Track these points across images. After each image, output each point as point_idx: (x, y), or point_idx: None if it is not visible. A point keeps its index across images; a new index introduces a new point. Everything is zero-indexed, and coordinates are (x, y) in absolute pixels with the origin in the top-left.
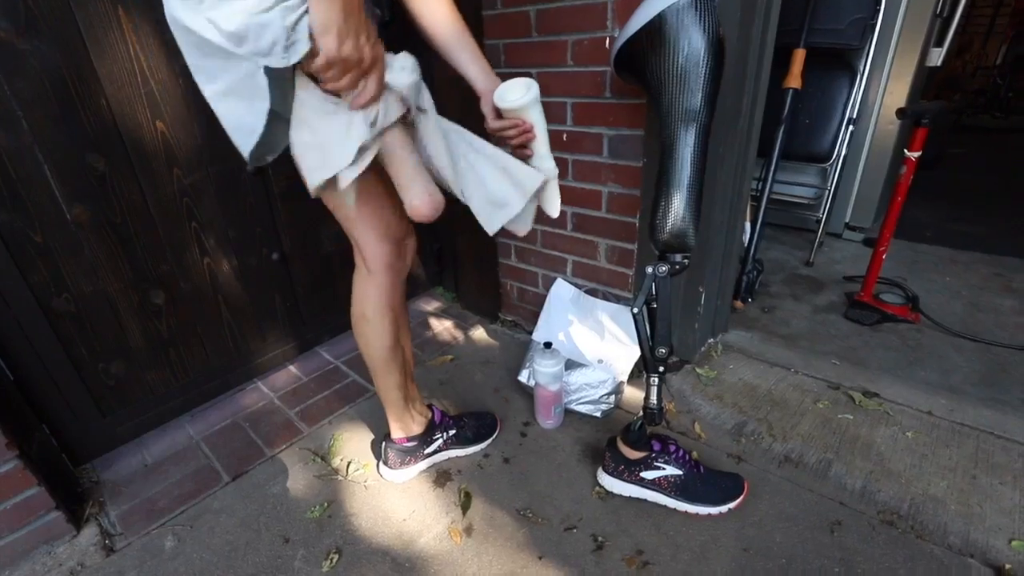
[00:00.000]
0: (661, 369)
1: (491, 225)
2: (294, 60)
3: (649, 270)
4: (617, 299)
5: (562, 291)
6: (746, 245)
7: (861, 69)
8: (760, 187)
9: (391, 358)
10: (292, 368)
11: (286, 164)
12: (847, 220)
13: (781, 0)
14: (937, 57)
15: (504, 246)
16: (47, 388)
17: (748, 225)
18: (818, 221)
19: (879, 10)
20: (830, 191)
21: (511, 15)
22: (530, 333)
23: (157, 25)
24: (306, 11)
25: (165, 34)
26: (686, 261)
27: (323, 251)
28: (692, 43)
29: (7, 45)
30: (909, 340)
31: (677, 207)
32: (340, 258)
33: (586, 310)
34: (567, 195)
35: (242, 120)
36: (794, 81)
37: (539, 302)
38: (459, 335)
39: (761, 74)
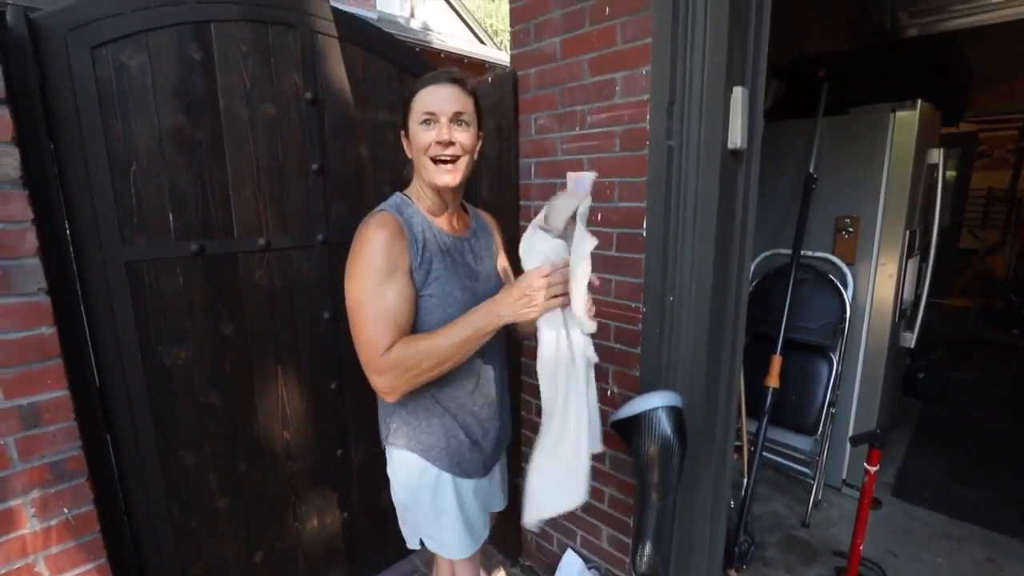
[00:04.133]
0: None
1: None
2: None
3: None
4: None
5: (572, 562)
6: (743, 505)
7: (837, 360)
8: (753, 448)
9: None
10: None
11: (365, 441)
12: (844, 477)
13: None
14: (910, 339)
15: None
16: None
17: (745, 481)
18: (813, 479)
19: (846, 315)
20: (820, 461)
21: None
22: None
23: (298, 368)
24: None
25: (301, 372)
26: None
27: (381, 506)
28: (663, 433)
29: (211, 406)
30: None
31: (650, 553)
32: (393, 511)
33: None
34: None
35: None
36: (773, 381)
37: (552, 556)
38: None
39: (733, 374)
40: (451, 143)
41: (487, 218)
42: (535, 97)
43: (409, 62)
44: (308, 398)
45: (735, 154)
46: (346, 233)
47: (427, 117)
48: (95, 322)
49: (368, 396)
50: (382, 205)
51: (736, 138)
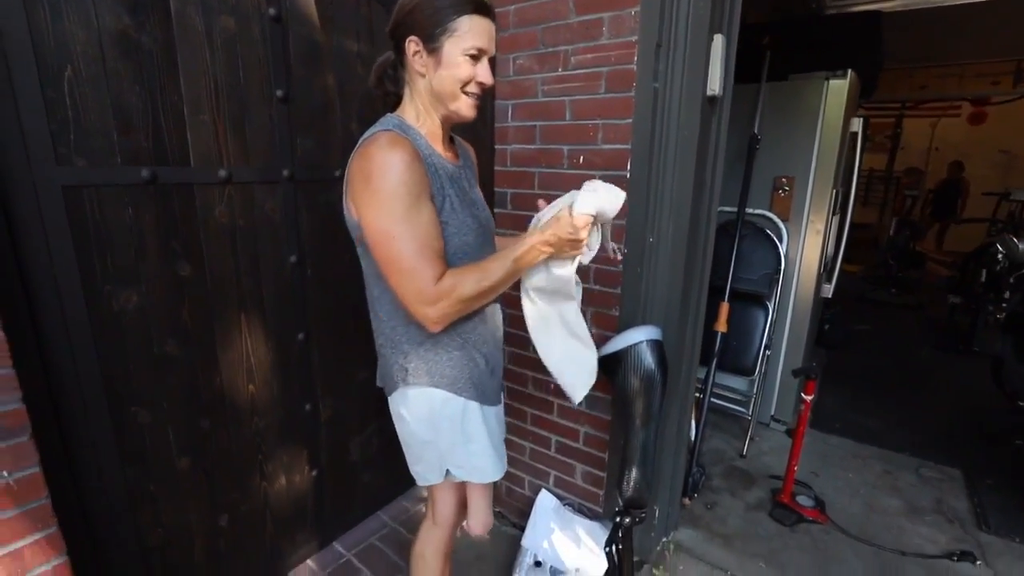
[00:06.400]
0: None
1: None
2: None
3: (617, 520)
4: (591, 512)
5: (546, 502)
6: (693, 443)
7: (771, 307)
8: (701, 390)
9: None
10: (310, 563)
11: (333, 396)
12: (772, 413)
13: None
14: (829, 290)
15: None
16: None
17: (694, 424)
18: (748, 417)
19: (780, 267)
20: (755, 398)
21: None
22: (514, 525)
23: (262, 316)
24: None
25: (266, 320)
26: (644, 515)
27: (350, 462)
28: (646, 366)
29: (168, 357)
30: (819, 542)
31: (636, 478)
32: (362, 466)
33: (565, 522)
34: (552, 427)
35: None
36: (721, 326)
37: (524, 500)
38: None
39: (698, 322)
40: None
41: (467, 146)
42: (514, 35)
43: None
44: (274, 349)
45: (712, 100)
46: (314, 170)
47: (477, 52)
48: (27, 256)
49: (336, 348)
50: (379, 125)
51: (715, 84)
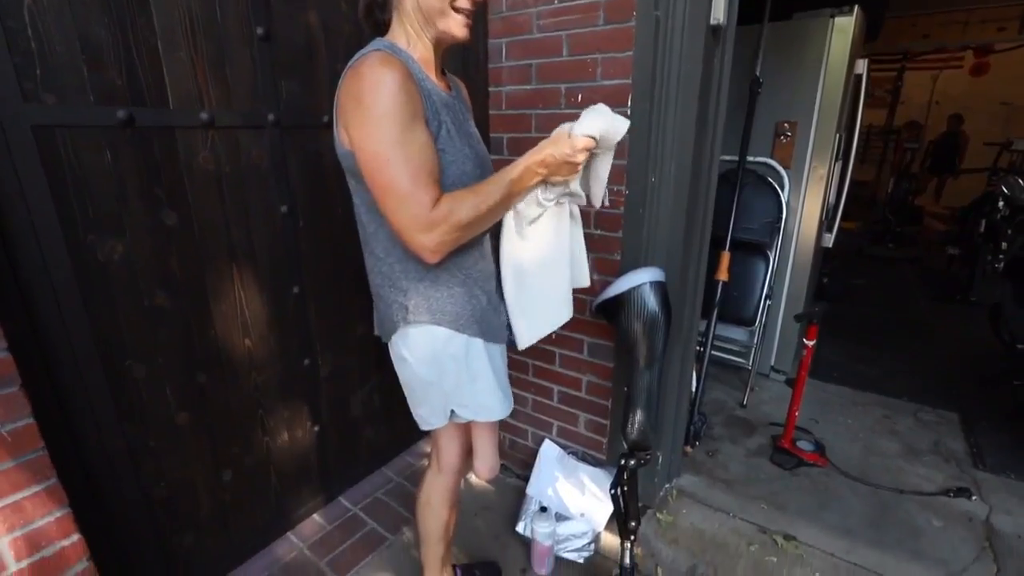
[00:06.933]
0: (632, 537)
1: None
2: None
3: (622, 462)
4: (595, 460)
5: (550, 451)
6: (694, 394)
7: (773, 256)
8: (703, 343)
9: (442, 536)
10: (317, 517)
11: (332, 350)
12: (772, 364)
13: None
14: (829, 240)
15: None
16: (135, 563)
17: (695, 375)
18: (748, 369)
19: (782, 215)
20: (756, 348)
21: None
22: (518, 477)
23: (255, 268)
24: None
25: (259, 272)
26: (648, 456)
27: (352, 417)
28: (649, 308)
29: (159, 309)
30: (819, 484)
31: (641, 420)
32: (363, 421)
33: (569, 469)
34: (555, 378)
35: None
36: (723, 275)
37: (527, 452)
38: None
39: (700, 268)
40: None
41: (460, 83)
42: None
43: None
44: (269, 303)
45: (715, 31)
46: (301, 115)
47: None
48: (2, 201)
49: (333, 302)
50: (370, 47)
51: (719, 12)
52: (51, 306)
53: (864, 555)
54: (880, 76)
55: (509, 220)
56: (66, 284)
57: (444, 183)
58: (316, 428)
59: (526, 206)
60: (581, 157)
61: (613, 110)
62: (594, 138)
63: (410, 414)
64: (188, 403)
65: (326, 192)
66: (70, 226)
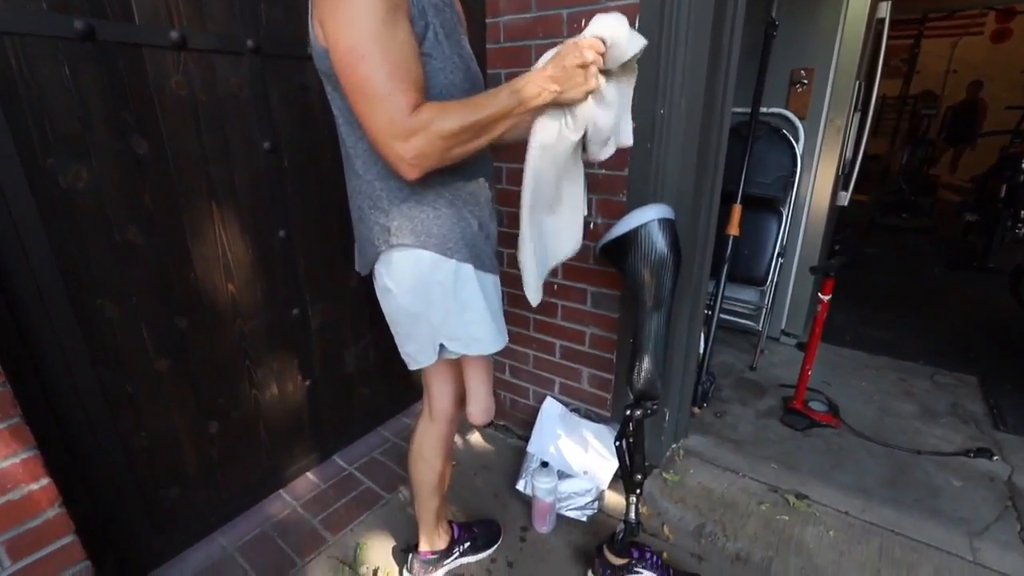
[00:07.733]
0: (638, 491)
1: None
2: None
3: (627, 413)
4: (598, 417)
5: (552, 409)
6: (702, 355)
7: (786, 213)
8: (711, 306)
9: (437, 489)
10: (311, 476)
11: (323, 301)
12: (783, 327)
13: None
14: (845, 199)
15: (499, 363)
16: (117, 515)
17: (702, 337)
18: (758, 332)
19: (796, 169)
20: (767, 308)
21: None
22: (519, 437)
23: (237, 209)
24: None
25: (241, 213)
26: (655, 406)
27: (345, 373)
28: (658, 247)
29: (132, 246)
30: (832, 444)
31: (648, 368)
32: (358, 379)
33: (572, 427)
34: (558, 332)
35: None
36: (733, 229)
37: (528, 411)
38: (458, 438)
39: (711, 218)
40: None
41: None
42: None
43: None
44: (253, 246)
45: None
46: (283, 44)
47: None
48: None
49: (323, 249)
50: None
51: None
52: (10, 233)
53: (880, 513)
54: (896, 44)
55: (534, 153)
56: (24, 206)
57: (430, 93)
58: (308, 383)
59: (557, 140)
60: (591, 55)
61: None
62: (603, 40)
63: (408, 375)
64: (168, 349)
65: (314, 131)
66: (26, 147)
